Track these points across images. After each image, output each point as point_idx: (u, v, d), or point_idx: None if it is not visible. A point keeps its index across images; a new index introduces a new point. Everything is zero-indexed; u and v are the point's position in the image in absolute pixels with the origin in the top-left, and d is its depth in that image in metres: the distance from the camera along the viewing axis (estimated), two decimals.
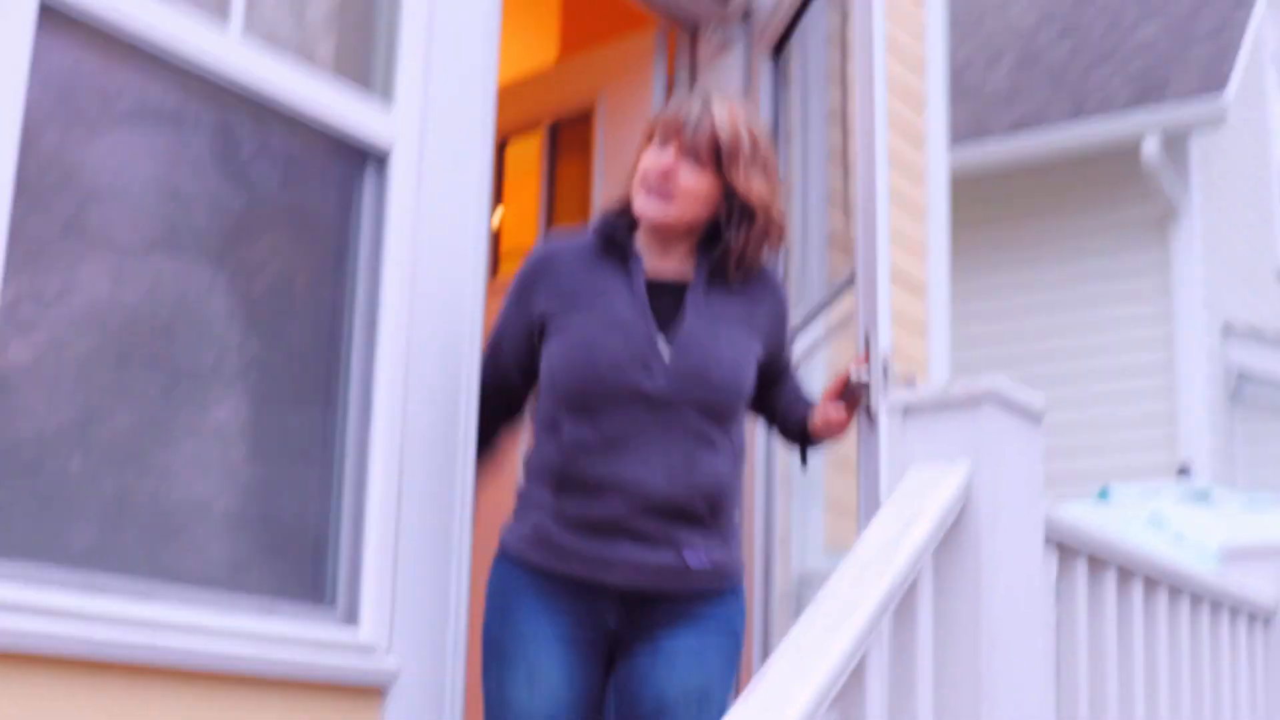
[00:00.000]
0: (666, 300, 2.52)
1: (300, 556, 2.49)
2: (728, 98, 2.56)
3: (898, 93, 4.46)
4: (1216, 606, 3.19)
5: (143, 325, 2.29)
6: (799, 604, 3.61)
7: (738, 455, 2.55)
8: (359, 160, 2.63)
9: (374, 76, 2.70)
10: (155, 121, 2.35)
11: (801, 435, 2.71)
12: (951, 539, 2.23)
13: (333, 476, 2.53)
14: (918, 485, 2.24)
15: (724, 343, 2.51)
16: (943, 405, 2.31)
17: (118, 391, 2.25)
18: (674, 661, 2.42)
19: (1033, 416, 2.35)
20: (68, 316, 2.20)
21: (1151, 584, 2.88)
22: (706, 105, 2.49)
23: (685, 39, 3.89)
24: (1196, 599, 3.09)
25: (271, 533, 2.44)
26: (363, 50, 2.72)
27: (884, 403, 2.61)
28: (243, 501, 2.40)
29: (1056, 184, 8.87)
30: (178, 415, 2.31)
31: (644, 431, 2.42)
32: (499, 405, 2.69)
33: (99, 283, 2.24)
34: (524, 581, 2.45)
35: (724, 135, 2.47)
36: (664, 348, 2.46)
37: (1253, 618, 3.38)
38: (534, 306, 2.54)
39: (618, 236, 2.53)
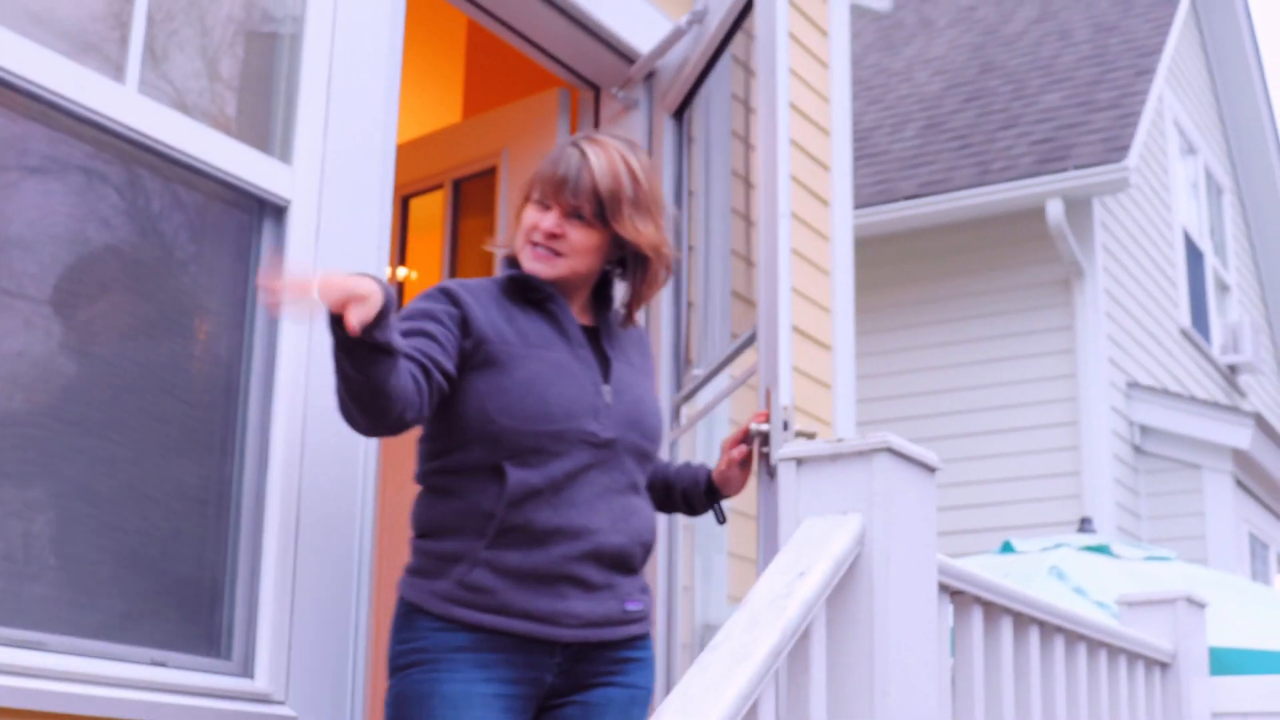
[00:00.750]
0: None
1: (197, 604, 2.47)
2: (604, 140, 2.50)
3: (805, 156, 4.53)
4: (1115, 653, 3.23)
5: (39, 375, 2.27)
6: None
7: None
8: (257, 212, 2.63)
9: (273, 131, 2.71)
10: (56, 172, 2.34)
11: (709, 491, 2.71)
12: (845, 586, 2.25)
13: (229, 526, 2.51)
14: (812, 535, 2.27)
15: (646, 388, 2.54)
16: (836, 457, 2.34)
17: (14, 441, 2.22)
18: (605, 712, 2.41)
19: (926, 468, 2.39)
20: None
21: (1049, 630, 2.92)
22: (584, 156, 2.45)
23: (589, 98, 3.93)
24: (1094, 645, 3.14)
25: (167, 581, 2.42)
26: (262, 106, 2.73)
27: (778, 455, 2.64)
28: (138, 551, 2.37)
29: (963, 246, 9.03)
30: (72, 465, 2.29)
31: (588, 478, 2.38)
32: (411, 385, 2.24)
33: None
34: (452, 640, 2.30)
35: (604, 186, 2.43)
36: (607, 393, 2.44)
37: (1150, 664, 3.43)
38: (460, 311, 2.39)
39: (534, 281, 2.46)
